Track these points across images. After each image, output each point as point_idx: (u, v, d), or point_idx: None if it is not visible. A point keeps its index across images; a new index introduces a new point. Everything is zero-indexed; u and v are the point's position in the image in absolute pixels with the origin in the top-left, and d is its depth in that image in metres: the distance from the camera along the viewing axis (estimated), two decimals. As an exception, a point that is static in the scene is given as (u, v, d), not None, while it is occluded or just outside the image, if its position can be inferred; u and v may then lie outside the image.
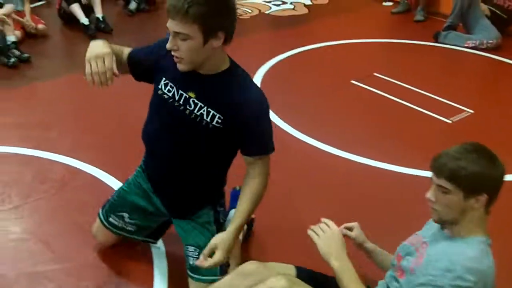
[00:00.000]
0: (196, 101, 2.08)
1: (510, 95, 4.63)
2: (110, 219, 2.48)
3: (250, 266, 2.05)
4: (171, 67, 2.07)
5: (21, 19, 5.26)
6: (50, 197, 3.05)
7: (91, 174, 3.23)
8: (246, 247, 2.67)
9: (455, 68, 5.44)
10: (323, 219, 2.00)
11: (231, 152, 2.24)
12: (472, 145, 1.72)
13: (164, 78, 2.14)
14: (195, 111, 2.08)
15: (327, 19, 6.48)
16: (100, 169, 3.26)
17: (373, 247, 2.12)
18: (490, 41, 5.49)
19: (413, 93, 4.45)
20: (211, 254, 2.07)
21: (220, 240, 2.08)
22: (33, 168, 3.31)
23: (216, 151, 2.19)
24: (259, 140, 2.15)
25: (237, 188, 2.64)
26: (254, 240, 2.76)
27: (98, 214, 2.53)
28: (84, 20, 5.57)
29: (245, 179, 2.18)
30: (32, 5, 5.84)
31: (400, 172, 3.38)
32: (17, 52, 4.82)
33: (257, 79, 4.55)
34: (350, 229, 2.10)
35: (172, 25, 1.90)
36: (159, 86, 2.15)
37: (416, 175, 3.32)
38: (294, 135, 3.78)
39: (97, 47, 2.02)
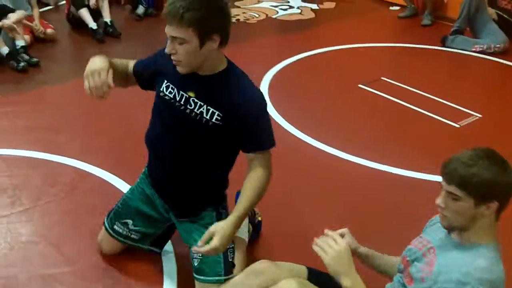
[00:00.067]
0: (196, 100, 2.15)
1: (518, 100, 4.63)
2: (115, 227, 2.51)
3: (261, 265, 2.06)
4: (171, 71, 2.17)
5: (30, 23, 5.29)
6: (59, 200, 3.07)
7: (100, 177, 3.25)
8: (252, 250, 2.68)
9: (463, 72, 5.44)
10: (329, 232, 1.86)
11: (232, 151, 2.28)
12: (483, 151, 1.67)
13: (165, 81, 2.22)
14: (195, 110, 2.15)
15: (334, 23, 6.48)
16: (109, 172, 3.28)
17: (366, 251, 2.04)
18: (498, 45, 5.48)
19: (421, 97, 4.45)
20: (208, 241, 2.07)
21: (219, 227, 2.09)
22: (43, 171, 3.33)
23: (217, 150, 2.24)
24: (258, 138, 2.20)
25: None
26: (261, 243, 2.77)
27: (104, 223, 2.57)
28: (93, 24, 5.60)
29: (247, 174, 2.21)
30: (41, 10, 5.87)
31: (407, 176, 3.38)
32: (26, 57, 4.85)
33: (265, 83, 4.53)
34: (341, 235, 1.93)
35: (169, 30, 2.01)
36: (161, 89, 2.23)
37: (424, 179, 3.31)
38: (302, 138, 3.79)
39: (94, 63, 2.14)
